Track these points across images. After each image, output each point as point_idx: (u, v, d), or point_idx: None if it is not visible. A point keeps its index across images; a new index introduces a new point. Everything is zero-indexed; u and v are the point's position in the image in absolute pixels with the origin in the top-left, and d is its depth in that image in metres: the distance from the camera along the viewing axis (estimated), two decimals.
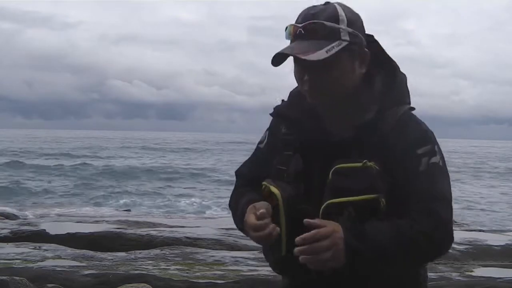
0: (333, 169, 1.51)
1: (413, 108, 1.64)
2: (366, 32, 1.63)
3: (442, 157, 1.58)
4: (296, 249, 1.43)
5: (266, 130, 1.79)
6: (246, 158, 1.86)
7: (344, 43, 1.53)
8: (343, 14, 1.55)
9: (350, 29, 1.54)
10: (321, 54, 1.49)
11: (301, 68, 1.56)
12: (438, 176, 1.54)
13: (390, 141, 1.53)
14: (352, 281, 1.52)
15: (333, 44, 1.51)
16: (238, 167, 1.86)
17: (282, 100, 1.74)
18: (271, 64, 1.57)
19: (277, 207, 1.55)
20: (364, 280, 1.53)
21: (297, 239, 1.42)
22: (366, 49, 1.59)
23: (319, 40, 1.52)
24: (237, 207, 1.70)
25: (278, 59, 1.56)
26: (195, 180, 30.03)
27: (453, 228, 1.58)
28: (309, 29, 1.53)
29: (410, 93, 1.66)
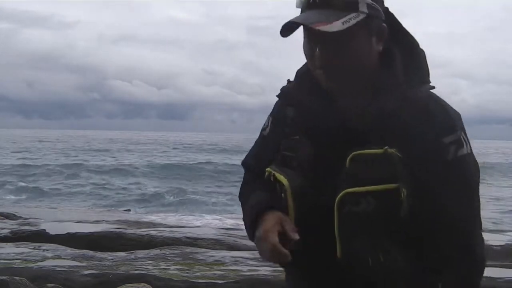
0: (350, 155, 1.38)
1: (433, 87, 1.49)
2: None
3: (469, 145, 1.46)
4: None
5: (269, 116, 1.67)
6: None
7: (362, 16, 1.38)
8: None
9: (369, 1, 1.40)
10: (336, 25, 1.34)
11: (313, 41, 1.42)
12: (467, 177, 1.42)
13: (412, 126, 1.40)
14: (364, 275, 1.42)
15: (350, 16, 1.37)
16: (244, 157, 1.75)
17: (288, 81, 1.60)
18: (280, 35, 1.43)
19: (284, 196, 1.45)
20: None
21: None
22: (384, 24, 1.45)
23: (334, 10, 1.37)
24: (247, 207, 1.60)
25: (287, 29, 1.41)
26: None
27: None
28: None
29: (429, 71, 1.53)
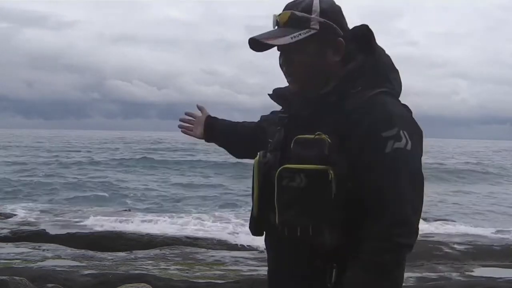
0: (294, 138, 1.61)
1: (390, 93, 1.65)
2: (364, 23, 1.73)
3: (411, 143, 1.57)
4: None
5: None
6: None
7: (313, 31, 1.64)
8: (318, 5, 1.65)
9: (321, 19, 1.64)
10: (286, 40, 1.63)
11: (280, 52, 1.71)
12: (401, 168, 1.54)
13: (354, 119, 1.57)
14: (296, 244, 1.61)
15: (300, 32, 1.63)
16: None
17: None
18: (251, 49, 1.70)
19: (253, 172, 1.73)
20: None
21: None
22: (340, 39, 1.67)
23: (291, 28, 1.65)
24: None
25: (258, 46, 1.69)
26: None
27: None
28: (283, 17, 1.67)
29: (395, 81, 1.69)
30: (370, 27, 1.72)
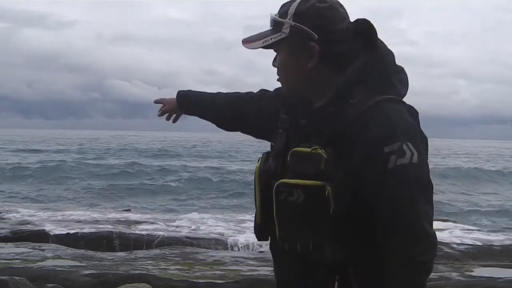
0: (290, 151, 1.55)
1: (394, 99, 1.56)
2: (363, 17, 1.60)
3: (417, 154, 1.50)
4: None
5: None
6: None
7: (283, 35, 1.59)
8: (294, 8, 1.57)
9: (293, 23, 1.57)
10: (257, 44, 1.63)
11: None
12: (409, 183, 1.48)
13: (354, 132, 1.51)
14: (296, 259, 1.60)
15: (273, 36, 1.61)
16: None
17: None
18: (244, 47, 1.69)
19: (255, 179, 1.68)
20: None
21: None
22: (312, 43, 1.56)
23: (270, 30, 1.63)
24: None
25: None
26: None
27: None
28: (270, 20, 1.64)
29: (399, 83, 1.60)
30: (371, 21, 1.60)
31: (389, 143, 1.48)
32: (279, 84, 1.73)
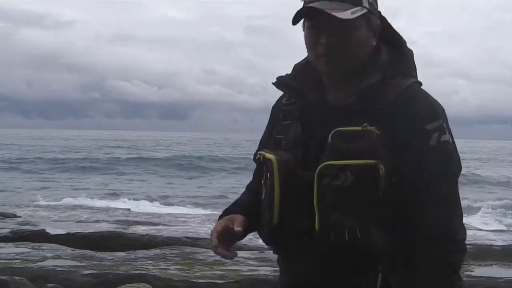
0: (332, 132, 1.45)
1: (420, 83, 1.59)
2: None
3: (451, 135, 1.52)
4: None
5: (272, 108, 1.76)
6: None
7: (365, 10, 1.50)
8: None
9: None
10: (346, 14, 1.45)
11: (318, 30, 1.51)
12: (448, 162, 1.49)
13: (395, 111, 1.47)
14: (341, 249, 1.45)
15: (356, 8, 1.48)
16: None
17: (286, 74, 1.69)
18: (291, 23, 1.51)
19: (271, 173, 1.51)
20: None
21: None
22: (378, 22, 1.56)
23: (341, 2, 1.47)
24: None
25: (300, 15, 1.50)
26: None
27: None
28: None
29: (417, 69, 1.62)
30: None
31: (431, 120, 1.48)
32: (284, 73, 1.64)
